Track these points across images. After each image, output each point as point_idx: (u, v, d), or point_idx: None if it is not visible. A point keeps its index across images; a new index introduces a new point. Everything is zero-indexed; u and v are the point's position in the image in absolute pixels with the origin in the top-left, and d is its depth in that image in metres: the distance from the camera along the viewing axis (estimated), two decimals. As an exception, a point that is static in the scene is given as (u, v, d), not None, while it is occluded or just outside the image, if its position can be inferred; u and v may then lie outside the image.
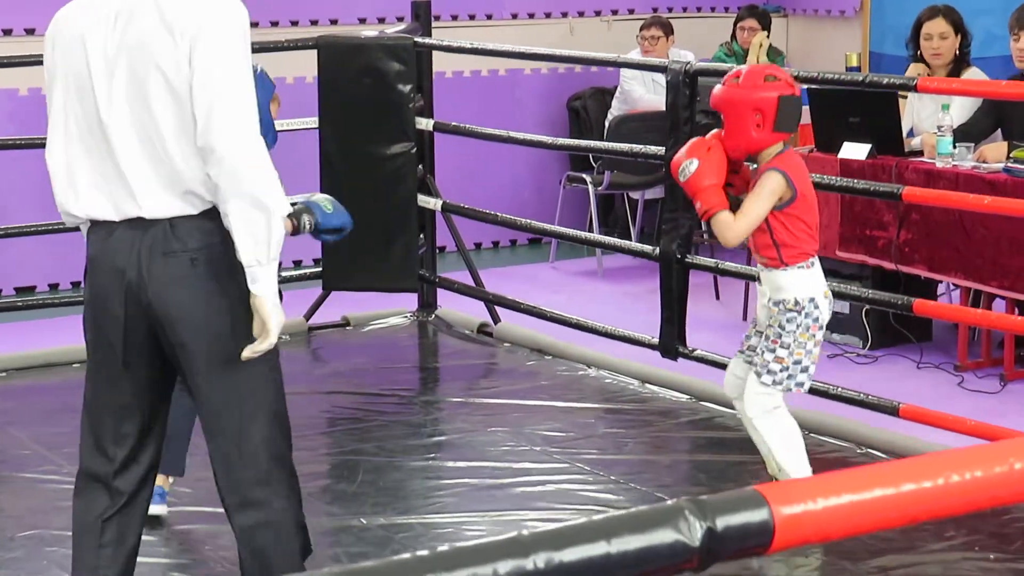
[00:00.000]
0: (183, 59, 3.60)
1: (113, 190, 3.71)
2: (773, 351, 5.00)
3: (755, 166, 5.10)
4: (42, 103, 8.76)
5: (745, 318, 7.76)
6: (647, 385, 6.73)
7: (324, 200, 4.42)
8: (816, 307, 4.99)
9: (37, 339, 7.52)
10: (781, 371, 5.00)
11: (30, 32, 8.74)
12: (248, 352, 3.73)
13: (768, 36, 9.63)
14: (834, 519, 1.45)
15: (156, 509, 5.04)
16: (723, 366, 6.29)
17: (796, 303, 4.98)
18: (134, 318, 3.77)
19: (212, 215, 3.68)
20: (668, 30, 9.55)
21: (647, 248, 6.85)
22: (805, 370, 5.02)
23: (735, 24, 9.87)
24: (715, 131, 5.10)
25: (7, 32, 8.70)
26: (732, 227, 4.93)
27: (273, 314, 3.72)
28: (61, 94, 3.76)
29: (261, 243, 3.62)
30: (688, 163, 4.96)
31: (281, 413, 3.88)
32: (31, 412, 6.52)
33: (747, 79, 5.00)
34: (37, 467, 5.76)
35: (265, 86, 5.07)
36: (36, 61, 7.60)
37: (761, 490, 1.44)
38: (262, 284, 3.67)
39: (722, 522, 1.42)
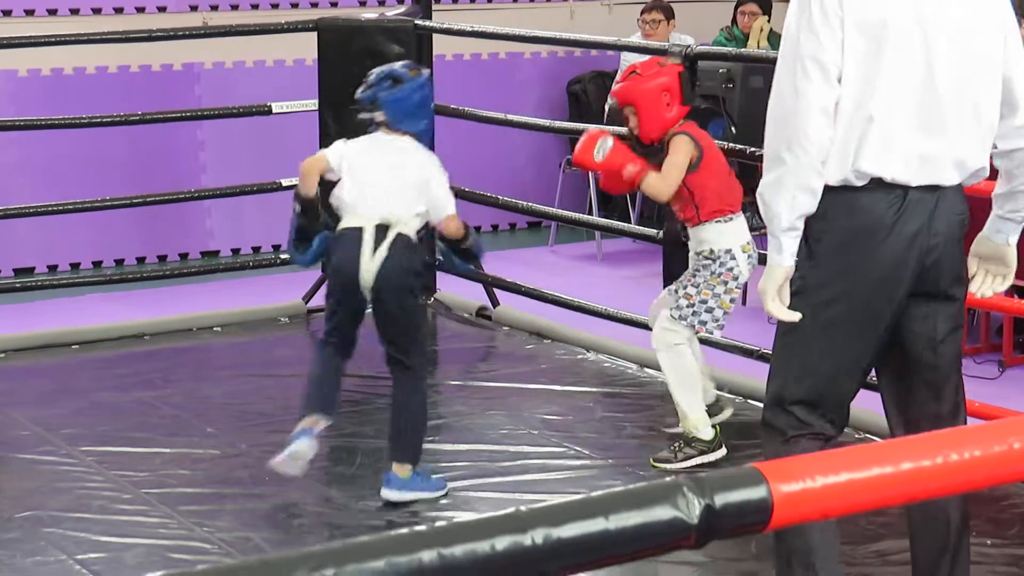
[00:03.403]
0: (1006, 28, 3.75)
1: (927, 154, 3.71)
2: (684, 288, 5.61)
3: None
4: (41, 84, 8.80)
5: (744, 302, 7.76)
6: (646, 369, 6.72)
7: None
8: (732, 258, 5.56)
9: (35, 320, 7.52)
10: (687, 307, 5.56)
11: (30, 13, 8.73)
12: (991, 293, 4.01)
13: (769, 21, 9.61)
14: (833, 497, 1.45)
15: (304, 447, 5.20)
16: (723, 347, 6.30)
17: (712, 252, 5.57)
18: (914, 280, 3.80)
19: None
20: (669, 14, 9.52)
21: (651, 231, 6.83)
22: (710, 311, 5.55)
23: (735, 8, 9.85)
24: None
25: (7, 13, 8.68)
26: (663, 181, 5.52)
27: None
28: (894, 51, 3.68)
29: None
30: (603, 141, 5.50)
31: None
32: (29, 393, 6.52)
33: (645, 70, 5.69)
34: (35, 448, 5.76)
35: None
36: (36, 42, 7.62)
37: (760, 467, 1.44)
38: (1018, 235, 3.93)
39: (720, 499, 1.41)
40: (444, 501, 5.28)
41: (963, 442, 1.49)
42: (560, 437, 5.83)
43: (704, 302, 5.54)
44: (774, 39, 9.58)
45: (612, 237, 9.13)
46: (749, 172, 7.97)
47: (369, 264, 5.12)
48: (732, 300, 5.61)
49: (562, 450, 5.69)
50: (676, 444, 5.60)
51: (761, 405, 6.12)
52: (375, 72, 5.37)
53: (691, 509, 1.40)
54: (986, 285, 3.97)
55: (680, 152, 5.53)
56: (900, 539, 4.80)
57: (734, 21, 9.82)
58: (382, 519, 5.07)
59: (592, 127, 5.91)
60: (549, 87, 10.22)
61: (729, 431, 5.94)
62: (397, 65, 5.50)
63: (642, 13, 9.58)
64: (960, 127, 3.71)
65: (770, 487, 1.43)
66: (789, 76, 3.68)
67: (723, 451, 5.60)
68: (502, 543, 1.32)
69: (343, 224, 5.23)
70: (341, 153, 5.29)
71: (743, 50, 9.07)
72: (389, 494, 5.19)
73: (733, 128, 8.25)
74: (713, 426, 5.62)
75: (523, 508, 1.37)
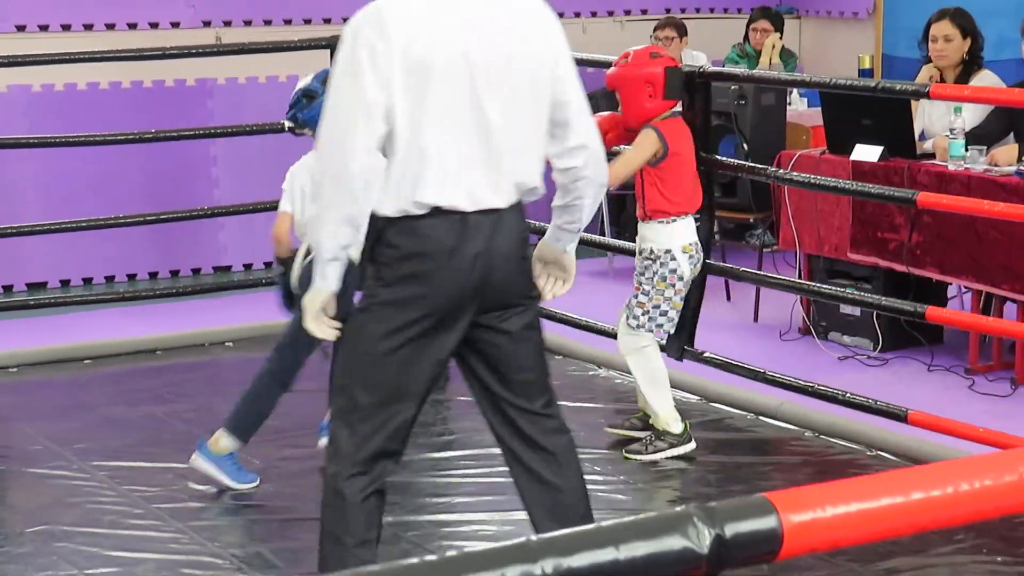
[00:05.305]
0: (549, 63, 3.92)
1: (481, 181, 3.88)
2: (636, 297, 5.83)
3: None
4: (55, 99, 8.81)
5: (756, 320, 7.76)
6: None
7: None
8: (673, 259, 5.77)
9: (48, 335, 7.54)
10: (643, 315, 5.80)
11: (44, 28, 8.75)
12: (552, 296, 4.30)
13: (781, 37, 9.62)
14: (843, 527, 1.45)
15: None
16: (732, 369, 6.30)
17: (652, 252, 5.80)
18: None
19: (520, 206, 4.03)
20: (682, 31, 9.52)
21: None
22: (664, 314, 5.82)
23: (747, 25, 9.86)
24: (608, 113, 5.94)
25: (20, 28, 8.71)
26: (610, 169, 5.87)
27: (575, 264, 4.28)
28: (441, 87, 3.81)
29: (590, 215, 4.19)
30: None
31: None
32: (41, 408, 6.53)
33: (635, 58, 5.80)
34: (47, 463, 5.77)
35: None
36: (50, 60, 7.62)
37: (770, 497, 1.44)
38: (575, 244, 4.27)
39: (731, 529, 1.42)
40: (456, 517, 5.28)
41: (974, 472, 1.49)
42: (571, 454, 5.82)
43: (657, 307, 5.80)
44: (786, 56, 9.59)
45: (623, 253, 9.13)
46: (762, 189, 7.98)
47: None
48: (682, 298, 5.84)
49: (573, 467, 5.68)
50: (647, 437, 5.83)
51: (771, 421, 6.17)
52: (294, 91, 5.59)
53: (701, 539, 1.40)
54: (549, 287, 4.27)
55: (639, 147, 5.72)
56: (910, 556, 4.80)
57: (746, 38, 9.83)
58: (393, 535, 5.07)
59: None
60: (561, 103, 10.21)
61: (742, 448, 5.95)
62: (312, 78, 5.57)
63: (655, 30, 9.58)
64: (516, 154, 3.89)
65: (780, 517, 1.43)
66: (335, 114, 3.82)
67: (692, 444, 5.84)
68: (512, 573, 1.33)
69: None
70: (292, 193, 5.52)
71: (755, 71, 9.10)
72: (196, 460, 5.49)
73: (745, 145, 8.25)
74: (683, 420, 5.84)
75: (533, 538, 1.38)
